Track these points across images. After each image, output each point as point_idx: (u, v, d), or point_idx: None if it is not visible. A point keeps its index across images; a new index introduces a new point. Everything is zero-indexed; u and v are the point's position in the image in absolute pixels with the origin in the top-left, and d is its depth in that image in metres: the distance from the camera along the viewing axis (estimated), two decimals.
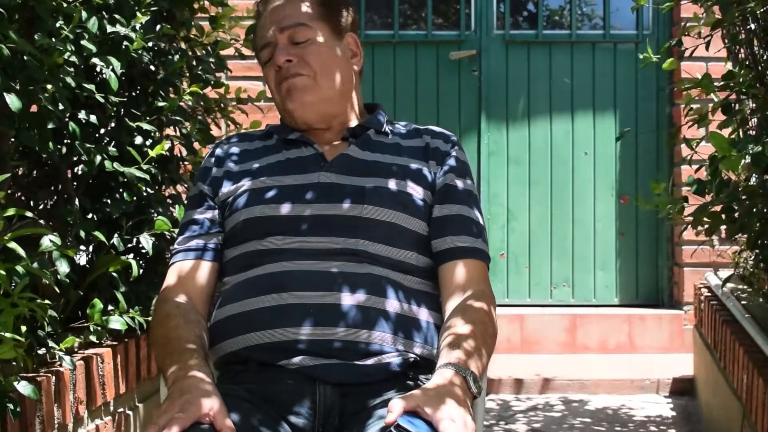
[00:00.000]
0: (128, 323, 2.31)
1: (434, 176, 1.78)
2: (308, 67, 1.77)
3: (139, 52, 2.39)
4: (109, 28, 2.26)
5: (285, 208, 1.71)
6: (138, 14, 2.31)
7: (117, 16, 2.29)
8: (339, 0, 1.86)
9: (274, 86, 1.80)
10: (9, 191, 2.26)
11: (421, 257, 1.73)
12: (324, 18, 1.81)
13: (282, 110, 1.83)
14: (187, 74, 2.80)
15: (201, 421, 1.43)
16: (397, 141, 1.83)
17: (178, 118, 2.65)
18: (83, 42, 2.13)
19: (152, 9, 2.46)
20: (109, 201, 2.42)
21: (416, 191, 1.75)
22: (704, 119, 2.81)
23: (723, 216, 2.50)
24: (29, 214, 1.73)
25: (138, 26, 2.32)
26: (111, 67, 2.22)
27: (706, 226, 2.54)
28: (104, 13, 2.29)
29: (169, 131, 2.81)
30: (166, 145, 2.53)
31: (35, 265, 1.74)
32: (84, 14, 2.14)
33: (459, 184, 1.78)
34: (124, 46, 2.32)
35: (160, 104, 2.58)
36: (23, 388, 1.73)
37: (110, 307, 2.33)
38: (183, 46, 2.81)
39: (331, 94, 1.79)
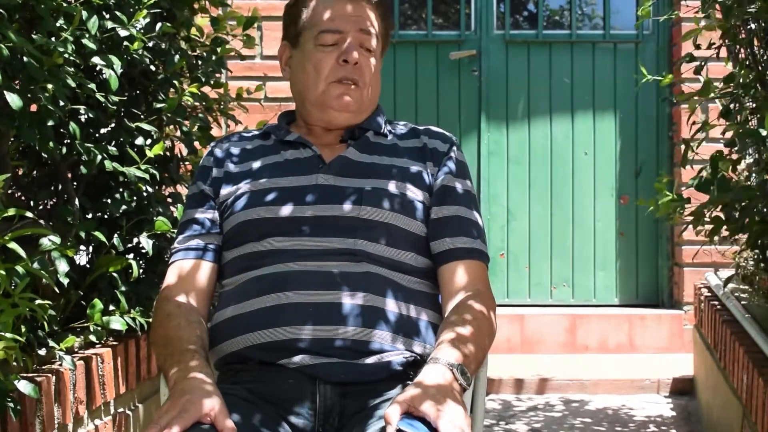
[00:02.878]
0: (128, 323, 2.31)
1: (432, 177, 1.79)
2: (365, 78, 1.79)
3: (140, 52, 2.39)
4: (110, 25, 2.26)
5: (283, 210, 1.71)
6: (138, 13, 2.31)
7: (118, 13, 2.29)
8: (390, 27, 1.90)
9: (327, 74, 1.77)
10: (9, 191, 2.26)
11: (420, 258, 1.73)
12: (382, 39, 1.85)
13: (318, 98, 1.79)
14: (188, 74, 2.80)
15: (202, 421, 1.43)
16: (395, 142, 1.84)
17: (178, 119, 2.65)
18: (84, 41, 2.13)
19: (153, 11, 2.45)
20: (109, 201, 2.42)
21: (414, 193, 1.75)
22: (708, 126, 2.81)
23: (723, 217, 2.50)
24: (29, 214, 1.73)
25: (138, 26, 2.32)
26: (111, 66, 2.22)
27: (708, 227, 2.54)
28: (104, 13, 2.29)
29: (170, 131, 2.81)
30: (166, 143, 2.52)
31: (35, 265, 1.74)
32: (84, 14, 2.14)
33: (457, 185, 1.79)
34: (124, 46, 2.32)
35: (160, 104, 2.58)
36: (24, 387, 1.73)
37: (111, 307, 2.33)
38: (183, 45, 2.81)
39: (366, 108, 1.83)
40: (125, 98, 2.43)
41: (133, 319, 2.33)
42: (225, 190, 1.78)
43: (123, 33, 2.29)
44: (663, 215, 2.88)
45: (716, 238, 2.61)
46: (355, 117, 1.82)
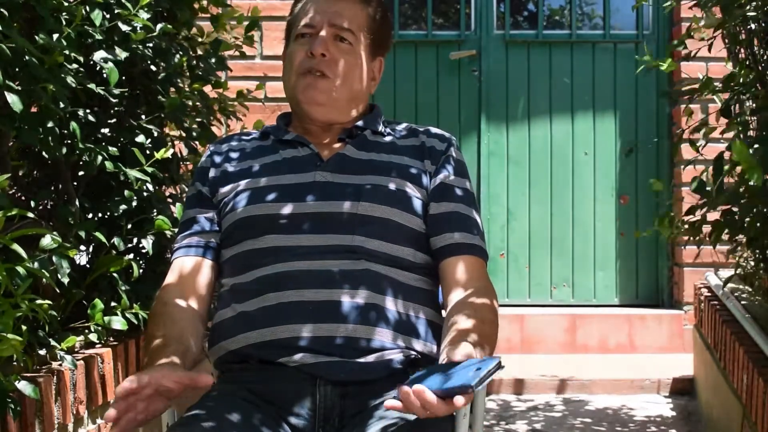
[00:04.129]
0: (130, 321, 2.31)
1: (430, 176, 1.79)
2: (336, 70, 1.77)
3: (140, 49, 2.39)
4: (113, 21, 2.26)
5: (282, 207, 1.71)
6: (140, 12, 2.31)
7: (123, 1, 2.29)
8: (388, 23, 1.88)
9: (296, 66, 1.79)
10: (9, 191, 2.26)
11: (419, 254, 1.73)
12: (370, 33, 1.83)
13: (291, 91, 1.81)
14: (188, 74, 2.80)
15: (135, 392, 1.42)
16: (394, 140, 1.84)
17: (180, 116, 2.65)
18: (88, 29, 2.13)
19: (154, 10, 2.46)
20: (109, 201, 2.42)
21: (412, 189, 1.75)
22: (707, 129, 2.81)
23: (723, 220, 2.50)
24: (30, 214, 1.73)
25: (140, 21, 2.32)
26: (113, 56, 2.22)
27: (705, 229, 2.54)
28: (104, 12, 2.29)
29: (170, 131, 2.81)
30: (168, 151, 2.53)
31: (35, 265, 1.74)
32: (86, 9, 2.15)
33: (455, 183, 1.79)
34: (126, 38, 2.32)
35: (161, 102, 2.58)
36: (24, 387, 1.74)
37: (112, 304, 2.33)
38: (184, 44, 2.81)
39: (344, 102, 1.81)
40: (126, 92, 2.43)
41: (135, 314, 2.33)
42: (224, 189, 1.79)
43: (125, 28, 2.29)
44: (665, 234, 2.87)
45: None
46: (330, 111, 1.80)
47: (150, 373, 1.45)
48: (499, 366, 1.37)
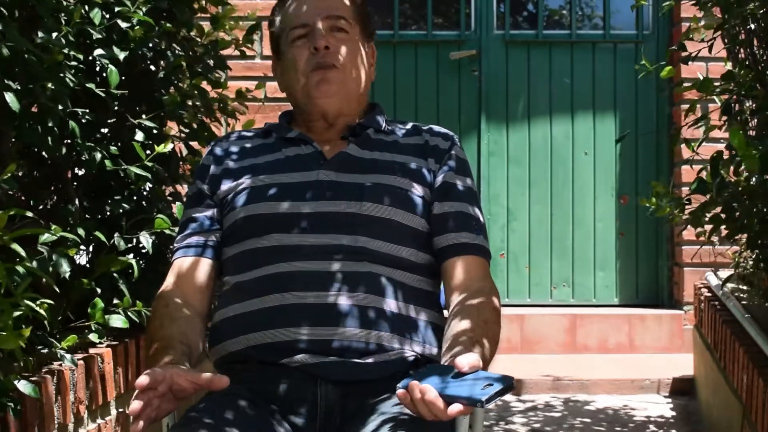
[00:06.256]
0: (132, 319, 2.31)
1: (433, 174, 1.79)
2: (342, 60, 1.78)
3: (140, 50, 2.39)
4: (116, 7, 2.27)
5: (285, 206, 1.71)
6: (138, 11, 2.31)
7: (120, 7, 2.30)
8: (367, 7, 1.89)
9: (303, 66, 1.78)
10: (9, 191, 2.26)
11: (421, 254, 1.73)
12: (359, 20, 1.84)
13: (302, 92, 1.80)
14: (187, 73, 2.80)
15: (153, 387, 1.42)
16: (397, 139, 1.84)
17: (180, 112, 2.65)
18: (87, 28, 2.13)
19: (152, 8, 2.46)
20: (109, 201, 2.42)
21: (415, 188, 1.75)
22: (707, 124, 2.81)
23: (723, 216, 2.50)
24: (29, 214, 1.73)
25: (138, 17, 2.33)
26: (113, 57, 2.22)
27: (707, 226, 2.54)
28: (104, 12, 2.29)
29: (170, 130, 2.81)
30: (168, 145, 2.53)
31: (34, 264, 1.74)
32: (86, 8, 2.15)
33: (459, 181, 1.79)
34: (125, 37, 2.32)
35: (161, 100, 2.58)
36: (24, 387, 1.73)
37: (115, 301, 2.33)
38: (184, 44, 2.81)
39: (353, 91, 1.81)
40: (126, 93, 2.43)
41: (138, 312, 2.32)
42: (225, 186, 1.78)
43: (124, 25, 2.29)
44: (664, 215, 2.88)
45: (716, 238, 2.60)
46: (342, 101, 1.79)
47: (164, 371, 1.44)
48: (511, 387, 1.38)
